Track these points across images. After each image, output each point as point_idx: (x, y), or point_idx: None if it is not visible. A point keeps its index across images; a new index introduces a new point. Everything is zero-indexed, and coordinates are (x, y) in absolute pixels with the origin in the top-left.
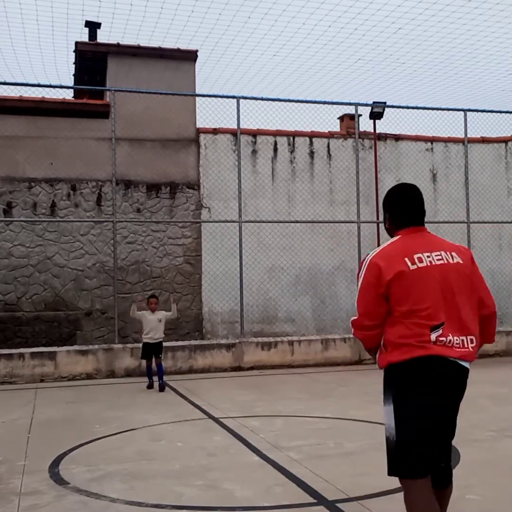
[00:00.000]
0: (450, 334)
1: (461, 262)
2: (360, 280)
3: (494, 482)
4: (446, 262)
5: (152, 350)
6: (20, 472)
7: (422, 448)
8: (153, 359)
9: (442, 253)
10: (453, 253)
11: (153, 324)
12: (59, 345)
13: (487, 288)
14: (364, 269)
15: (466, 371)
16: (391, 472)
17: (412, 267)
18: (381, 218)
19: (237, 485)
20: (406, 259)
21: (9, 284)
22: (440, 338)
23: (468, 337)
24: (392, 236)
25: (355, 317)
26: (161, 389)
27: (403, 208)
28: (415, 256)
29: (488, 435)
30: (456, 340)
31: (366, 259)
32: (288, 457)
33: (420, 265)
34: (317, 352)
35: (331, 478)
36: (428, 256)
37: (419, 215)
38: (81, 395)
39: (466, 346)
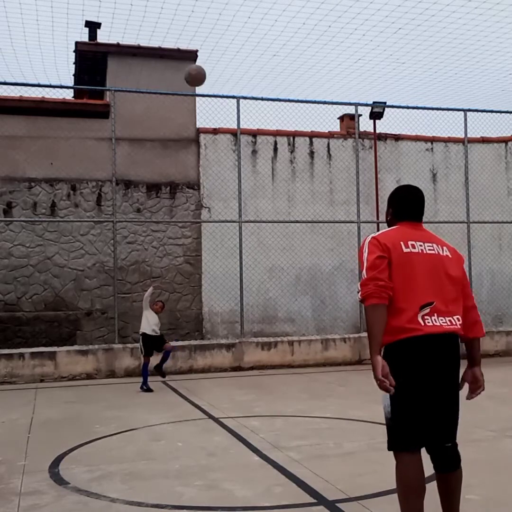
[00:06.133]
0: (435, 314)
1: (450, 256)
2: (364, 253)
3: (494, 482)
4: (436, 253)
5: (155, 343)
6: (20, 472)
7: (412, 424)
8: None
9: (434, 245)
10: (444, 248)
11: (157, 321)
12: (59, 345)
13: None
14: (367, 245)
15: (455, 342)
16: (388, 447)
17: (406, 250)
18: (381, 218)
19: (237, 485)
20: (401, 242)
21: (9, 284)
22: (427, 317)
23: (455, 317)
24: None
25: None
26: (162, 374)
27: (406, 205)
28: (409, 242)
29: (488, 435)
30: (442, 320)
31: (366, 240)
32: (288, 457)
33: (413, 250)
34: (317, 352)
35: (331, 478)
36: (420, 245)
37: (418, 213)
38: (81, 395)
39: (453, 323)
